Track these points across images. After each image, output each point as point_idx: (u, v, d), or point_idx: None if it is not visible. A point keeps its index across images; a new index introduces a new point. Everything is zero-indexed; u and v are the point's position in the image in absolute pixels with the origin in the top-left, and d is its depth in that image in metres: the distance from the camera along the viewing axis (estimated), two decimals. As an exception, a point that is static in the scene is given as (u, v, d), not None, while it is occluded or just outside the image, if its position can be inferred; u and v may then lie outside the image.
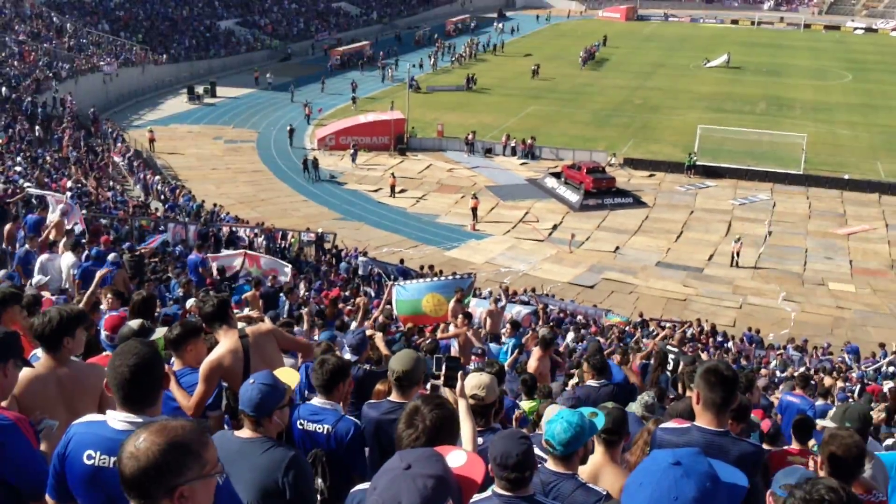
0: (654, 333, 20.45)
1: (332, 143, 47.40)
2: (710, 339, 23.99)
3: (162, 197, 35.06)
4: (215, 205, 34.46)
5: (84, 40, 55.08)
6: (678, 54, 76.63)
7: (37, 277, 11.34)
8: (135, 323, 6.09)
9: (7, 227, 15.33)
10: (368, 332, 7.99)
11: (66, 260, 12.96)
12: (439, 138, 48.56)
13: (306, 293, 19.25)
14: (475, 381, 4.61)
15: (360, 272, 27.40)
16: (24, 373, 4.07)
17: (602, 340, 18.45)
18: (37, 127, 39.92)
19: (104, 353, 5.87)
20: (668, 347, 13.04)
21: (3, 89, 41.98)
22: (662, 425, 4.57)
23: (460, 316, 12.65)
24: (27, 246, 13.70)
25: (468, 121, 51.60)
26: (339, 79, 62.96)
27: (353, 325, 13.02)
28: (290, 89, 57.98)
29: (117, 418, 3.18)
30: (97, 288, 8.36)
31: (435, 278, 16.50)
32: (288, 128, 50.03)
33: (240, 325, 5.66)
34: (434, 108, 55.57)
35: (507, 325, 13.58)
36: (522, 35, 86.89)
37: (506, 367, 9.61)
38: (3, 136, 35.58)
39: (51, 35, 53.38)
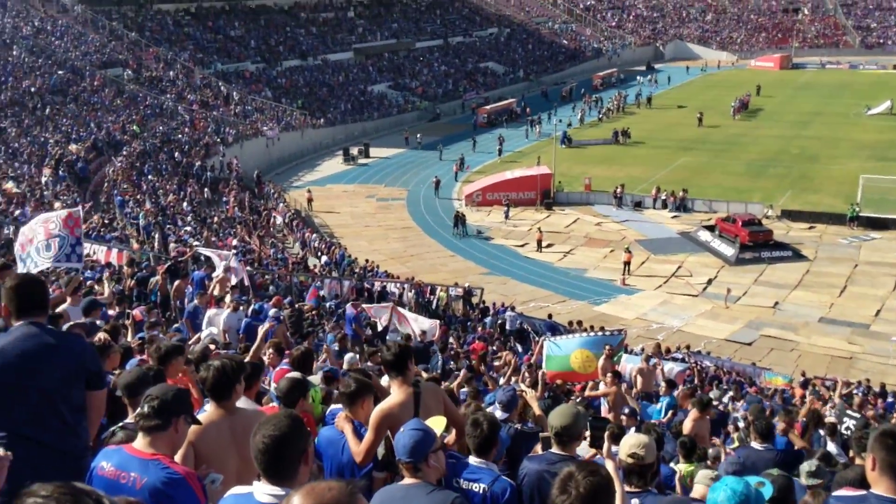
0: (818, 393, 19.27)
1: (479, 200, 47.93)
2: (879, 401, 22.36)
3: (319, 253, 36.32)
4: (368, 260, 35.39)
5: (249, 107, 58.47)
6: (837, 102, 73.31)
7: (206, 331, 11.92)
8: (293, 377, 6.26)
9: (177, 283, 16.28)
10: (519, 390, 7.90)
11: (230, 315, 13.60)
12: (587, 192, 48.19)
13: (456, 348, 19.35)
14: (634, 441, 4.47)
15: (508, 327, 27.30)
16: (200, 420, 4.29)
17: (763, 400, 17.54)
18: (205, 189, 42.47)
19: (272, 404, 6.09)
20: (848, 412, 12.22)
21: (176, 154, 45.01)
22: (836, 493, 4.25)
23: (609, 374, 12.33)
24: (195, 301, 14.47)
25: (616, 174, 51.04)
26: (486, 136, 63.89)
27: (502, 380, 12.95)
28: (439, 148, 59.31)
29: (263, 491, 3.24)
30: (262, 343, 8.69)
31: (584, 334, 16.18)
32: (433, 179, 51.12)
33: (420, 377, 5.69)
34: (581, 161, 55.36)
35: (662, 384, 13.12)
36: (672, 86, 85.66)
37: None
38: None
39: (218, 103, 56.99)
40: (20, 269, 10.93)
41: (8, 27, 51.70)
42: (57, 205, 29.46)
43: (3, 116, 39.43)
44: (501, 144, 59.51)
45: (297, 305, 17.41)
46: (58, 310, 9.76)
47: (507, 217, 44.89)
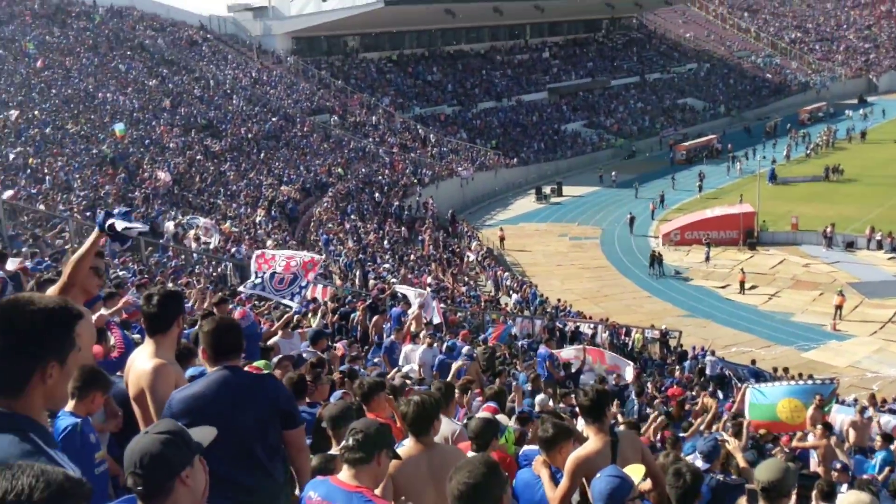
0: None
1: (677, 239, 46.61)
2: None
3: (510, 292, 36.56)
4: (560, 300, 35.22)
5: (445, 149, 60.20)
6: None
7: (406, 367, 12.27)
8: (485, 417, 6.30)
9: (375, 318, 16.88)
10: (721, 439, 7.55)
11: (425, 351, 13.94)
12: (793, 232, 45.71)
13: (652, 393, 18.79)
14: (854, 499, 4.16)
15: (708, 372, 26.18)
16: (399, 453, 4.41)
17: None
18: (403, 228, 44.01)
19: (467, 441, 6.18)
20: None
21: (377, 195, 47.02)
22: None
23: (820, 425, 11.53)
24: (392, 337, 14.95)
25: (826, 213, 48.06)
26: (684, 173, 62.18)
27: (702, 428, 12.41)
28: (634, 186, 58.35)
29: None
30: (454, 379, 8.83)
31: (792, 382, 15.22)
32: (628, 216, 50.33)
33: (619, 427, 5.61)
34: (787, 200, 52.63)
35: (878, 438, 12.12)
36: (888, 120, 79.96)
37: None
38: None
39: (416, 145, 59.08)
40: (246, 287, 12.00)
41: (229, 78, 56.22)
42: (269, 243, 31.54)
43: (224, 161, 42.76)
44: (701, 181, 57.74)
45: (489, 343, 17.58)
46: (269, 342, 10.40)
47: (707, 258, 43.24)
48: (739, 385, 17.62)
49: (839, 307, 33.96)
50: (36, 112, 38.87)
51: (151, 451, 2.62)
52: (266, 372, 5.68)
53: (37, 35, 49.53)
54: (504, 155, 63.43)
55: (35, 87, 42.40)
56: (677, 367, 27.05)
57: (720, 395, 21.61)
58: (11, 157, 31.54)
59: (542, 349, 18.24)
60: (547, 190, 60.05)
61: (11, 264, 11.31)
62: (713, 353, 27.78)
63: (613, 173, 62.50)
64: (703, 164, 64.90)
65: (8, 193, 22.07)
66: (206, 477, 2.80)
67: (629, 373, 18.89)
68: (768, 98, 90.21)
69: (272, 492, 4.34)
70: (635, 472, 4.43)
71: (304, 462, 4.61)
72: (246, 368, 4.74)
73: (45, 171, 31.31)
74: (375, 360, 14.05)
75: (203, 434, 2.91)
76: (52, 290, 4.92)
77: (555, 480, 5.24)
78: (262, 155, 45.89)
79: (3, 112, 37.25)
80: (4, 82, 41.55)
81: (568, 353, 19.11)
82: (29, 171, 30.81)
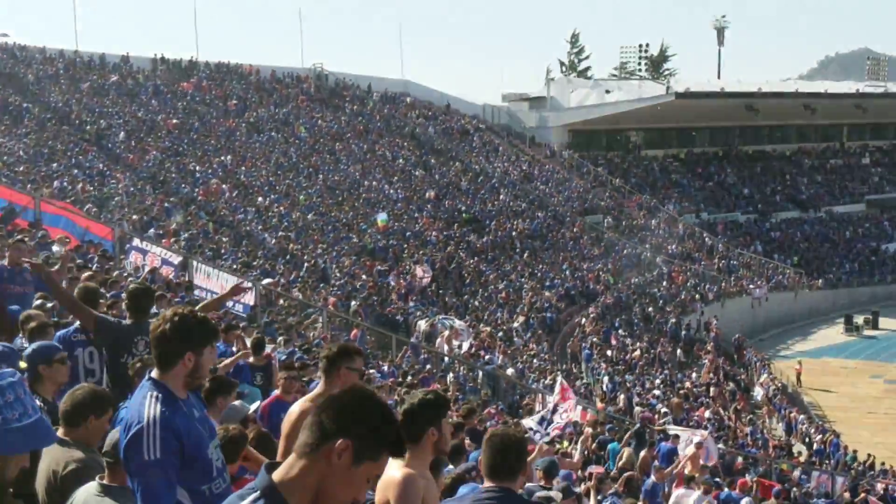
0: None
1: None
2: None
3: (806, 439, 34.30)
4: (869, 455, 32.56)
5: (734, 262, 58.44)
6: None
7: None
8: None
9: (643, 453, 16.42)
10: None
11: (695, 498, 13.32)
12: None
13: None
14: None
15: None
16: None
17: None
18: (678, 350, 42.86)
19: None
20: None
21: (650, 309, 46.32)
22: None
23: None
24: (653, 478, 14.50)
25: None
26: None
27: None
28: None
29: None
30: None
31: None
32: None
33: None
34: None
35: None
36: None
37: None
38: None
39: (700, 256, 57.86)
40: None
41: (498, 171, 58.61)
42: (525, 357, 31.98)
43: (485, 259, 44.25)
44: None
45: (782, 498, 16.49)
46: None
47: None
48: None
49: None
50: (301, 197, 42.57)
51: None
52: None
53: (309, 119, 54.66)
54: (807, 274, 60.45)
55: (303, 171, 46.58)
56: None
57: None
58: (272, 241, 34.62)
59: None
60: (860, 320, 56.18)
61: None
62: None
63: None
64: None
65: (267, 281, 24.17)
66: None
67: None
68: None
69: None
70: None
71: None
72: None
73: (305, 258, 34.03)
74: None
75: None
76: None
77: None
78: (526, 255, 46.97)
79: (270, 195, 41.17)
80: (273, 165, 46.01)
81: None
82: (288, 256, 33.63)
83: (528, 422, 13.70)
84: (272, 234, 35.97)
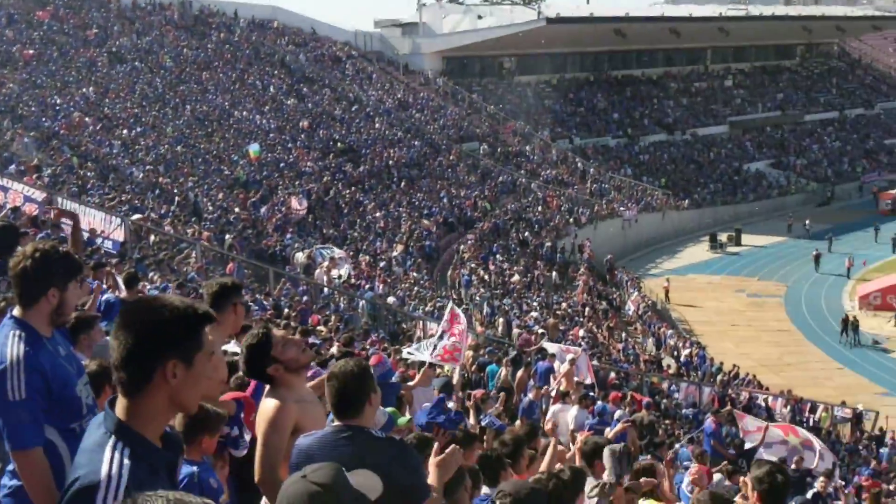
0: None
1: (877, 303, 44.50)
2: None
3: (675, 353, 35.75)
4: (734, 366, 34.23)
5: (606, 185, 59.78)
6: None
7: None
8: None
9: (520, 374, 16.82)
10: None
11: (573, 413, 13.78)
12: None
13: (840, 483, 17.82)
14: None
15: (911, 463, 24.74)
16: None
17: None
18: (554, 273, 43.82)
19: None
20: None
21: (526, 233, 47.10)
22: None
23: None
24: (531, 396, 14.91)
25: None
26: (891, 226, 59.18)
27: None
28: (828, 238, 56.01)
29: None
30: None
31: None
32: (814, 252, 49.63)
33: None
34: None
35: None
36: None
37: None
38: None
39: (573, 180, 58.94)
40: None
41: (372, 99, 58.01)
42: (406, 284, 32.17)
43: (361, 189, 43.98)
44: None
45: (652, 410, 17.21)
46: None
47: None
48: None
49: None
50: (169, 129, 41.22)
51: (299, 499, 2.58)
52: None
53: (174, 47, 52.61)
54: (674, 195, 62.39)
55: (169, 102, 45.02)
56: (873, 454, 25.85)
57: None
58: (140, 175, 33.53)
59: (708, 423, 17.68)
60: (723, 237, 58.55)
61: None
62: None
63: (807, 221, 60.25)
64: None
65: (136, 217, 23.44)
66: None
67: (827, 457, 17.19)
68: None
69: None
70: None
71: None
72: None
73: (175, 191, 33.11)
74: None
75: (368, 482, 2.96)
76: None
77: None
78: (403, 184, 46.90)
79: (138, 128, 39.73)
80: (138, 96, 44.29)
81: (749, 424, 18.24)
82: (158, 191, 32.66)
83: (410, 348, 13.80)
84: (139, 167, 34.78)
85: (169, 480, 2.74)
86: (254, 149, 39.57)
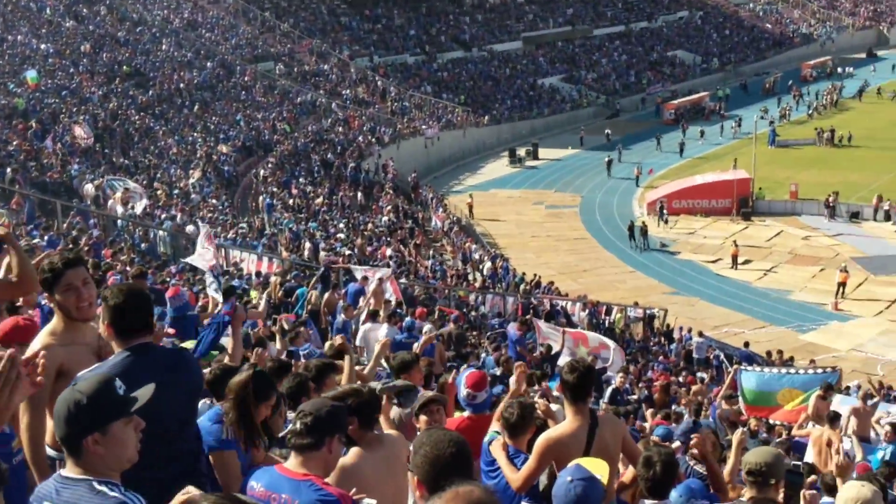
0: None
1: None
2: None
3: (480, 266, 36.67)
4: (535, 275, 35.46)
5: (406, 104, 59.90)
6: None
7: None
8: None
9: (327, 295, 16.85)
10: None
11: (383, 331, 14.00)
12: (792, 201, 46.39)
13: (634, 377, 19.03)
14: (853, 493, 4.29)
15: (696, 355, 26.64)
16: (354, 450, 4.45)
17: None
18: (358, 193, 43.82)
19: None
20: None
21: (328, 155, 46.71)
22: None
23: (825, 417, 11.84)
24: (342, 315, 15.01)
25: (828, 180, 48.73)
26: (673, 135, 62.54)
27: (685, 415, 12.66)
28: (618, 148, 58.56)
29: None
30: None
31: (792, 370, 15.52)
32: (606, 159, 52.60)
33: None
34: (786, 165, 53.32)
35: (887, 427, 12.36)
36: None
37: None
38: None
39: (374, 100, 58.73)
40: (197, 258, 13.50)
41: (158, 19, 55.33)
42: (204, 211, 31.27)
43: (152, 115, 42.16)
44: (684, 131, 58.15)
45: (460, 323, 17.69)
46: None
47: (661, 219, 45.49)
48: (729, 369, 17.88)
49: (842, 284, 34.57)
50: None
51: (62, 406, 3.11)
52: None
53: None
54: (474, 112, 63.30)
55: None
56: (662, 349, 27.55)
57: (705, 377, 22.01)
58: None
59: (511, 330, 18.33)
60: (521, 152, 60.15)
61: None
62: (701, 335, 28.22)
63: (608, 131, 62.98)
64: (698, 126, 65.11)
65: None
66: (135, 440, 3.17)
67: (617, 358, 18.47)
68: (768, 51, 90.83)
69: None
70: (599, 469, 4.45)
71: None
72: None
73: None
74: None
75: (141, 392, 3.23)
76: None
77: (512, 461, 5.34)
78: (196, 108, 45.29)
79: None
80: None
81: (548, 331, 19.15)
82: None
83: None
84: None
85: None
86: (31, 75, 37.18)
